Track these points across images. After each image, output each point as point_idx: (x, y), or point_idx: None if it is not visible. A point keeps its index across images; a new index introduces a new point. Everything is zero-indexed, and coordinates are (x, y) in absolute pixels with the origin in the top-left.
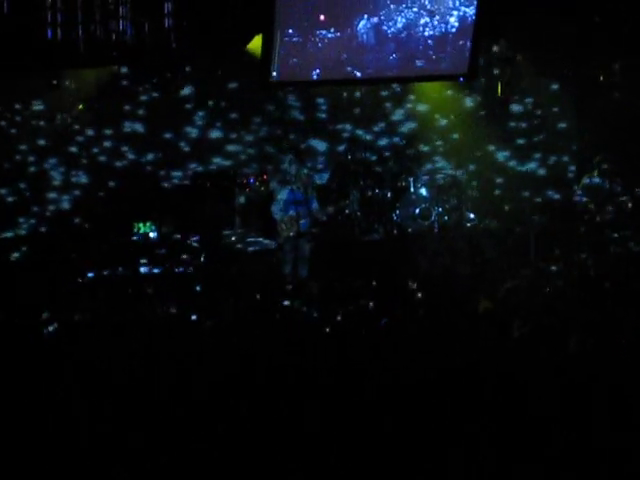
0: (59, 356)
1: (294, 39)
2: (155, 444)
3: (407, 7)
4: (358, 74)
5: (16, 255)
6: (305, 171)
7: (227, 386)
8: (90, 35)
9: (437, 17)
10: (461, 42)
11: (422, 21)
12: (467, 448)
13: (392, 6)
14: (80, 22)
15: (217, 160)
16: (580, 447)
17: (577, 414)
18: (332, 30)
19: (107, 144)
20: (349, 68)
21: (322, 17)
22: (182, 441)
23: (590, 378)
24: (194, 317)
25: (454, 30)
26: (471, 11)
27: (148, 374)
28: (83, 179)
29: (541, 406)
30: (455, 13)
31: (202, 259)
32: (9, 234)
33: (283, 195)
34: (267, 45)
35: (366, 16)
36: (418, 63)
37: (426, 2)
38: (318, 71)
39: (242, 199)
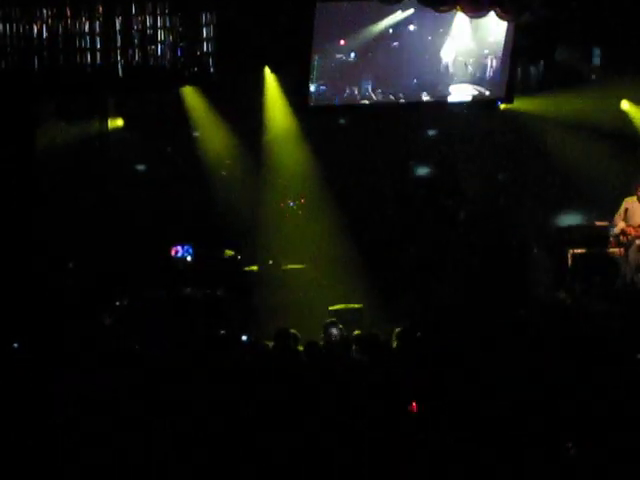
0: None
1: (314, 63)
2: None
3: (428, 31)
4: (380, 99)
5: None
6: None
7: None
8: (129, 60)
9: (459, 41)
10: (484, 65)
11: (444, 45)
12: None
13: (412, 30)
14: (119, 47)
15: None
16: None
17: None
18: (352, 55)
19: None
20: (371, 92)
21: (342, 42)
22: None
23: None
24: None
25: (477, 54)
26: (498, 35)
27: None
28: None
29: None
30: (477, 36)
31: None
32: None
33: None
34: (304, 69)
35: (385, 40)
36: (440, 87)
37: (448, 26)
38: (339, 96)
39: None
